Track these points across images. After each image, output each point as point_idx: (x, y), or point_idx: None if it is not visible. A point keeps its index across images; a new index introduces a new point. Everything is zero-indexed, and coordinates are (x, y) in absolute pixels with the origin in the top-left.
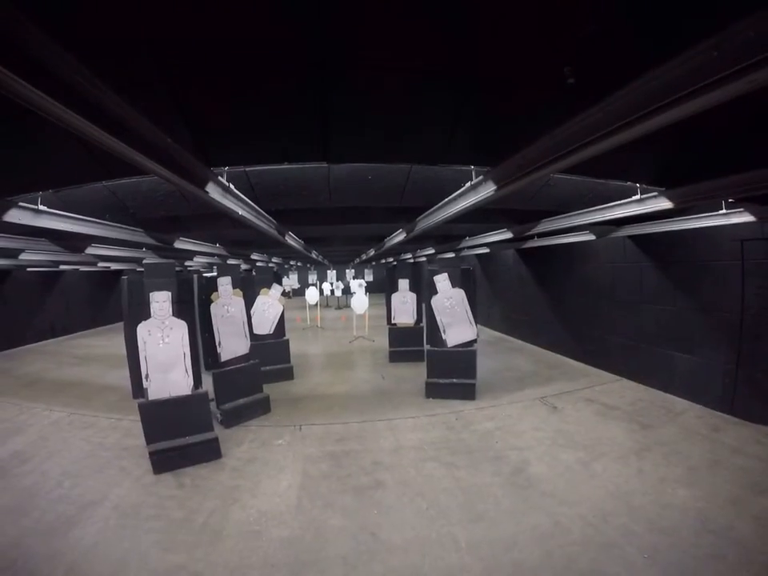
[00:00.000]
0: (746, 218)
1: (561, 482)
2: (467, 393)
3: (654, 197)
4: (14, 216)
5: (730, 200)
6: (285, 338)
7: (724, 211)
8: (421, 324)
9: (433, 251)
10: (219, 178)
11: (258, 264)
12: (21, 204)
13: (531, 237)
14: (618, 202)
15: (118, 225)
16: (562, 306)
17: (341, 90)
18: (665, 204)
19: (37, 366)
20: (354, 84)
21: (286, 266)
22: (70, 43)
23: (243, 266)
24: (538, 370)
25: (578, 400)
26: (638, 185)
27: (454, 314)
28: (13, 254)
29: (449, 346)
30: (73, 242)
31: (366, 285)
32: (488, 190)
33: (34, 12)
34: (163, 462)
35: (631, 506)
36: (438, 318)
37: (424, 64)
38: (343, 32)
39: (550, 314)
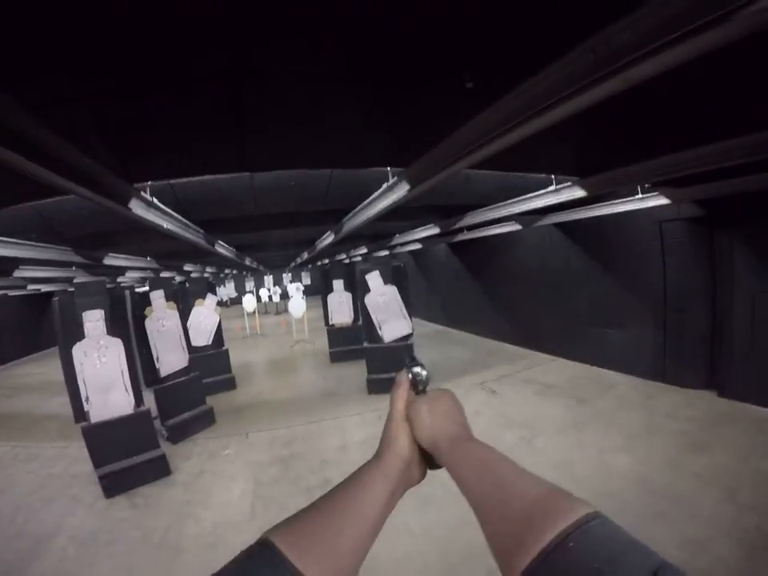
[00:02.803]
0: (662, 200)
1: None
2: None
3: (569, 186)
4: None
5: (645, 185)
6: (224, 347)
7: (640, 196)
8: (358, 323)
9: (366, 250)
10: (142, 193)
11: (193, 275)
12: None
13: (460, 230)
14: (536, 193)
15: (46, 245)
16: (496, 295)
17: (253, 98)
18: (579, 193)
19: None
20: (264, 94)
21: (221, 275)
22: None
23: (177, 278)
24: (477, 358)
25: (516, 382)
26: (552, 176)
27: (388, 310)
28: None
29: (386, 341)
30: (0, 265)
31: (303, 288)
32: (403, 189)
33: None
34: (113, 485)
35: (575, 476)
36: (372, 316)
37: (327, 70)
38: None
39: (486, 304)
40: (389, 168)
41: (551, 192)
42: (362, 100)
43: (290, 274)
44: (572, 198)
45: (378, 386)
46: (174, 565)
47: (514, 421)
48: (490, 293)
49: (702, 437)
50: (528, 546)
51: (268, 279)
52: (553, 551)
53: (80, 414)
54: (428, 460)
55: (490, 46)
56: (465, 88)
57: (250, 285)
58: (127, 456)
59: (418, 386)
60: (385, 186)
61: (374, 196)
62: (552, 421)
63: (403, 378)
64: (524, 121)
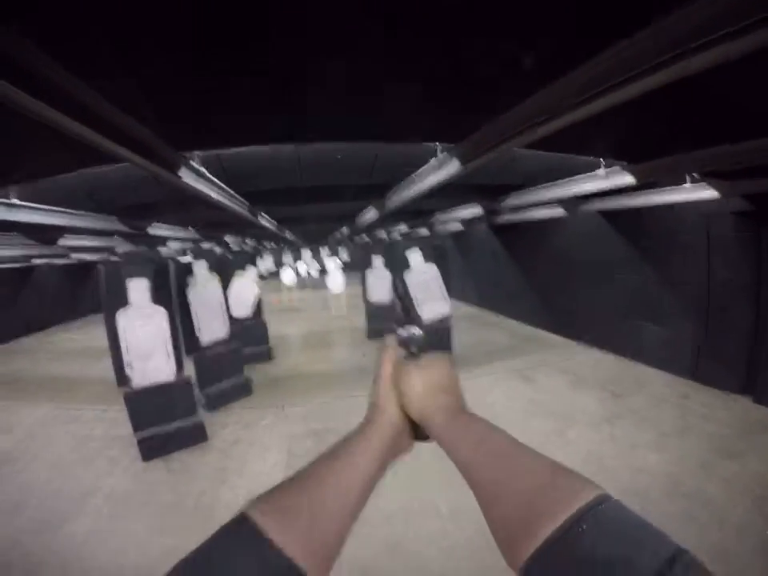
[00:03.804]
0: (711, 193)
1: (536, 448)
2: None
3: (618, 171)
4: None
5: (694, 174)
6: (263, 319)
7: (689, 186)
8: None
9: (406, 228)
10: (191, 162)
11: (233, 247)
12: None
13: (502, 211)
14: (583, 176)
15: (92, 214)
16: (534, 280)
17: (309, 70)
18: (628, 178)
19: (15, 364)
20: (320, 66)
21: (260, 248)
22: (29, 30)
23: (218, 250)
24: (512, 343)
25: (551, 371)
26: (601, 159)
27: (427, 289)
28: None
29: (423, 320)
30: (45, 234)
31: (341, 264)
32: (453, 166)
33: None
34: (151, 449)
35: (604, 471)
36: (412, 294)
37: (386, 45)
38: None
39: (524, 288)
40: (437, 144)
41: (600, 176)
42: (416, 75)
43: (328, 250)
44: (621, 183)
45: None
46: (206, 529)
47: (546, 410)
48: (528, 277)
49: (735, 442)
50: (536, 530)
51: (306, 254)
52: (563, 536)
53: (122, 378)
54: (415, 430)
55: (550, 25)
56: (521, 65)
57: (288, 259)
58: (166, 421)
59: (411, 349)
60: (433, 161)
61: (421, 171)
62: (585, 413)
63: (390, 342)
64: (585, 101)
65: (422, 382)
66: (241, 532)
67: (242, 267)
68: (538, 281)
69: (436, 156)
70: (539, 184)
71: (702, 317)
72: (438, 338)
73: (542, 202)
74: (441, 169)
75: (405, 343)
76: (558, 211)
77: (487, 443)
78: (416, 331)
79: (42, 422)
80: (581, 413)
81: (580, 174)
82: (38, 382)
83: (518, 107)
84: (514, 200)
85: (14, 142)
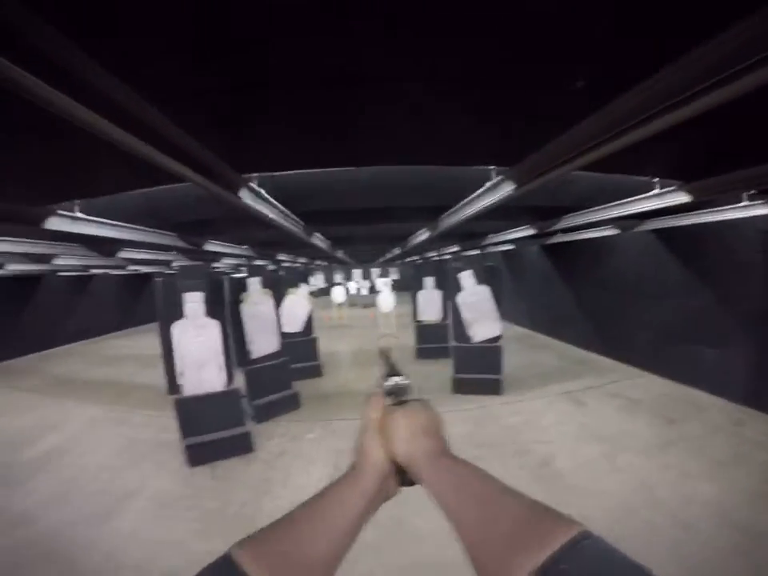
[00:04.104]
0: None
1: (586, 475)
2: (493, 388)
3: (673, 191)
4: (53, 224)
5: (750, 192)
6: (313, 335)
7: (745, 203)
8: (446, 321)
9: (457, 249)
10: (251, 183)
11: (285, 265)
12: (59, 212)
13: (555, 233)
14: (638, 197)
15: (151, 229)
16: (586, 302)
17: (367, 99)
18: (683, 198)
19: (70, 366)
20: (380, 94)
21: (311, 266)
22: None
23: (270, 267)
24: (563, 366)
25: (602, 395)
26: (656, 179)
27: (479, 310)
28: (46, 259)
29: (474, 341)
30: (106, 247)
31: (391, 283)
32: (507, 189)
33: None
34: (198, 456)
35: (655, 500)
36: (463, 315)
37: (440, 70)
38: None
39: (575, 310)
40: (492, 167)
41: (654, 195)
42: (471, 100)
43: (378, 269)
44: (675, 202)
45: (464, 385)
46: None
47: (597, 435)
48: (579, 299)
49: None
50: (518, 569)
51: (357, 272)
52: (544, 574)
53: (173, 386)
54: (401, 476)
55: (601, 51)
56: (575, 87)
57: (338, 277)
58: (214, 430)
59: (396, 396)
60: (488, 184)
61: (476, 194)
62: (636, 439)
63: (378, 389)
64: (643, 122)
65: (408, 427)
66: (224, 572)
67: (295, 284)
68: (589, 302)
69: (490, 179)
70: (592, 205)
71: (760, 340)
72: (487, 359)
73: (595, 223)
74: (495, 192)
75: (390, 392)
76: (612, 232)
77: (469, 486)
78: (401, 380)
79: (93, 422)
80: (632, 439)
81: (634, 193)
82: (90, 384)
83: (573, 130)
84: (567, 221)
85: (81, 159)
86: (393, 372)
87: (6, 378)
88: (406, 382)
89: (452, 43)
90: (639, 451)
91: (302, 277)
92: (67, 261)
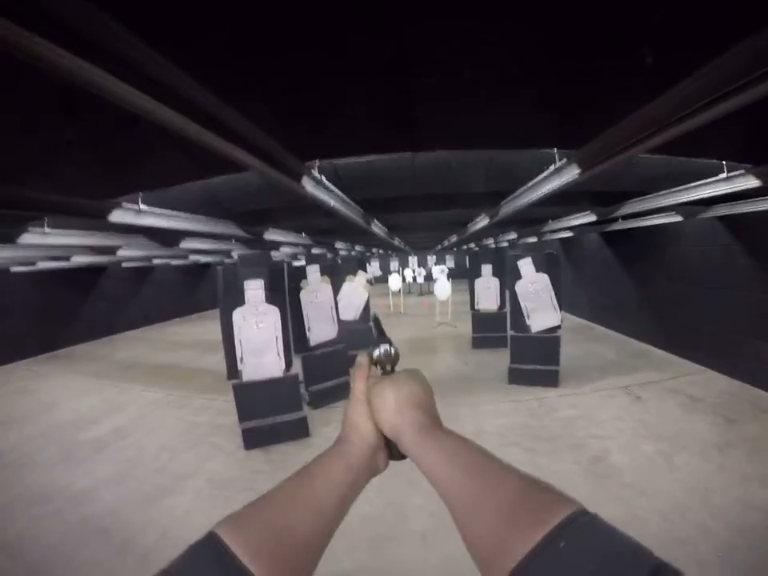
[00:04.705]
0: None
1: (640, 473)
2: (550, 379)
3: (741, 174)
4: (118, 216)
5: None
6: (370, 323)
7: None
8: (504, 309)
9: (515, 236)
10: (312, 171)
11: (341, 252)
12: (124, 205)
13: (615, 219)
14: (704, 181)
15: (213, 219)
16: (647, 293)
17: (427, 85)
18: (752, 182)
19: (133, 351)
20: (440, 79)
21: (368, 254)
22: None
23: (328, 255)
24: (622, 359)
25: (661, 390)
26: (723, 162)
27: (537, 299)
28: (111, 250)
29: (533, 331)
30: (168, 237)
31: (447, 271)
32: (572, 173)
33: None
34: (254, 439)
35: (710, 503)
36: (521, 304)
37: (502, 49)
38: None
39: (635, 301)
40: (555, 150)
41: (722, 180)
42: (533, 79)
43: (434, 257)
44: (744, 187)
45: (521, 376)
46: None
47: (654, 433)
48: (640, 289)
49: None
50: (513, 547)
51: (413, 260)
52: (541, 552)
53: (233, 371)
54: (390, 448)
55: (675, 20)
56: (645, 63)
57: (394, 265)
58: (271, 414)
59: (385, 366)
60: (552, 167)
61: (539, 178)
62: (695, 438)
63: (363, 359)
64: (715, 101)
65: (395, 397)
66: (207, 550)
67: (352, 272)
68: (649, 293)
69: (554, 163)
70: (656, 190)
71: None
72: (545, 349)
73: (659, 209)
74: (559, 176)
75: (378, 361)
76: (675, 219)
77: (460, 458)
78: (389, 349)
79: (154, 404)
80: (690, 438)
81: (699, 177)
82: (152, 368)
83: (641, 111)
84: (629, 207)
85: (144, 152)
86: (382, 339)
87: (71, 362)
88: (393, 350)
89: (514, 27)
90: (697, 451)
91: (359, 264)
92: (131, 252)
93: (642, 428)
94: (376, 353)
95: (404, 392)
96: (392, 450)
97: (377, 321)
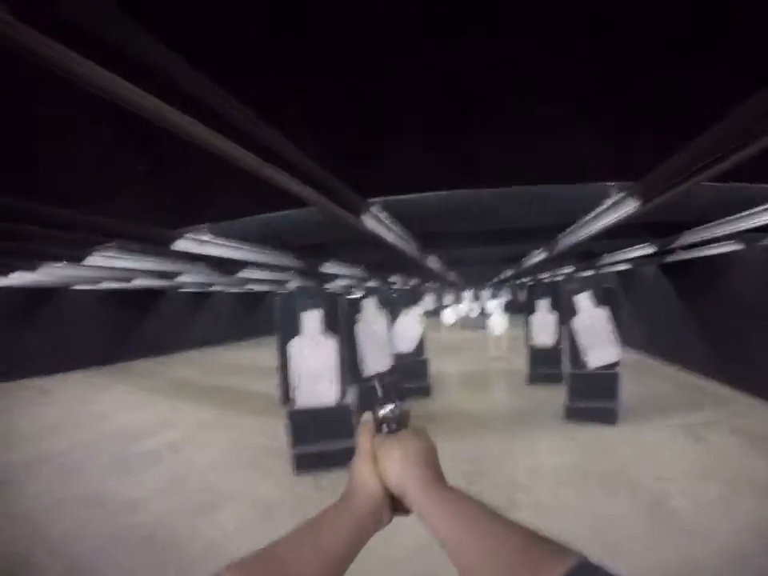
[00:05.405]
0: None
1: (700, 517)
2: (608, 417)
3: None
4: (182, 246)
5: None
6: (424, 356)
7: None
8: (560, 345)
9: (571, 270)
10: (372, 208)
11: (395, 286)
12: (187, 235)
13: (674, 250)
14: (763, 207)
15: (272, 251)
16: (707, 326)
17: (478, 111)
18: None
19: (187, 371)
20: (499, 115)
21: (422, 288)
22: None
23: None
24: (681, 395)
25: (723, 429)
26: None
27: (595, 334)
28: (172, 276)
29: (590, 367)
30: (228, 267)
31: (502, 305)
32: (630, 205)
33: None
34: (304, 464)
35: None
36: (579, 339)
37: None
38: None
39: (693, 334)
40: (613, 183)
41: None
42: (591, 115)
43: (489, 290)
44: None
45: (578, 413)
46: None
47: (714, 474)
48: (699, 322)
49: None
50: None
51: (467, 294)
52: None
53: (286, 396)
54: (395, 504)
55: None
56: (705, 90)
57: (448, 299)
58: (322, 441)
59: (390, 426)
60: (611, 200)
61: (598, 210)
62: (757, 481)
63: (368, 418)
64: None
65: (401, 456)
66: None
67: (408, 305)
68: (708, 325)
69: (610, 196)
70: (715, 218)
71: None
72: (603, 386)
73: (719, 239)
74: (616, 209)
75: (384, 420)
76: (735, 246)
77: (462, 515)
78: (394, 408)
79: (205, 423)
80: (753, 480)
81: (755, 203)
82: (205, 389)
83: (699, 139)
84: (688, 238)
85: (209, 186)
86: (389, 398)
87: (127, 376)
88: (401, 409)
89: (567, 62)
90: (760, 495)
91: (414, 298)
92: (191, 278)
93: (702, 470)
94: (382, 412)
95: (410, 451)
96: (397, 505)
97: (381, 379)
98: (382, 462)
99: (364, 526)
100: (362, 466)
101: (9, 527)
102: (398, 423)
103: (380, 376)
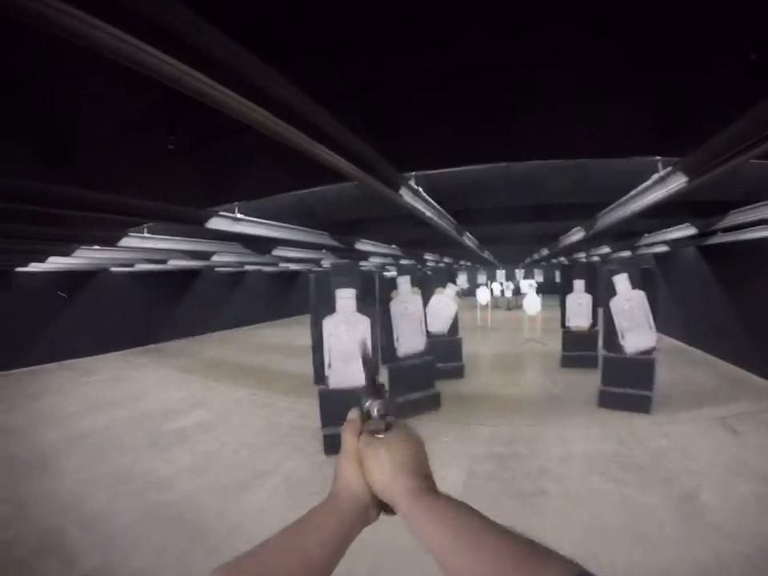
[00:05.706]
0: None
1: (731, 514)
2: (642, 405)
3: None
4: (215, 224)
5: None
6: (458, 336)
7: None
8: (596, 328)
9: (608, 250)
10: (410, 182)
11: (429, 264)
12: (221, 213)
13: (716, 231)
14: None
15: (306, 228)
16: (748, 315)
17: (523, 90)
18: None
19: (222, 351)
20: (534, 83)
21: (455, 266)
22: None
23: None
24: (720, 386)
25: (761, 423)
26: None
27: (633, 317)
28: (206, 256)
29: (627, 352)
30: (261, 245)
31: (537, 285)
32: (678, 182)
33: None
34: (335, 445)
35: None
36: (616, 322)
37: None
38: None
39: (734, 323)
40: (658, 158)
41: None
42: (636, 85)
43: (522, 270)
44: None
45: (612, 399)
46: (373, 534)
47: (752, 471)
48: (739, 310)
49: None
50: None
51: (500, 273)
52: None
53: (319, 377)
54: (381, 503)
55: None
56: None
57: (482, 278)
58: None
59: (378, 425)
60: (656, 176)
61: (642, 187)
62: None
63: (354, 415)
64: None
65: (389, 462)
66: None
67: (442, 284)
68: (749, 314)
69: (657, 171)
70: (762, 198)
71: None
72: (639, 372)
73: (766, 220)
74: (662, 185)
75: (370, 416)
76: None
77: (452, 526)
78: (380, 408)
79: (239, 403)
80: None
81: None
82: (238, 368)
83: (753, 111)
84: (733, 218)
85: (242, 164)
86: (375, 390)
87: (163, 356)
88: (384, 408)
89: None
90: None
91: (449, 277)
92: (225, 258)
93: (737, 465)
94: (369, 409)
95: (397, 455)
96: (383, 505)
97: (367, 363)
98: (368, 465)
99: (350, 527)
100: (346, 465)
101: (47, 505)
102: (386, 420)
103: (365, 362)
